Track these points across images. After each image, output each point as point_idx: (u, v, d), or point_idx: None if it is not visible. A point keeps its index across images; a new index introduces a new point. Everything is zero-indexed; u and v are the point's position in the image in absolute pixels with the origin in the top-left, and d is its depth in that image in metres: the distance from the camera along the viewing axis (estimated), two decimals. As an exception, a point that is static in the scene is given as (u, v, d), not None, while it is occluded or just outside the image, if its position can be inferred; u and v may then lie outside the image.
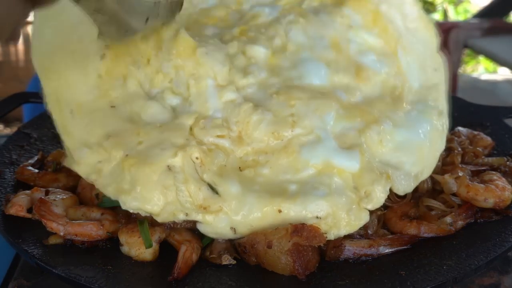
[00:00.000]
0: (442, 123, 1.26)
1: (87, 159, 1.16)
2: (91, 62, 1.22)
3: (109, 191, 1.12)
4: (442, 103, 1.30)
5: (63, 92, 1.21)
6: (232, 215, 1.07)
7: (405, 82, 1.29)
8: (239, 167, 1.13)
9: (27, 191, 1.23)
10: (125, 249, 1.09)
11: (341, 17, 1.32)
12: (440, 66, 1.35)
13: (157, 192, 1.08)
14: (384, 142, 1.17)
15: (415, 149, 1.18)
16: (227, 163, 1.13)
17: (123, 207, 1.10)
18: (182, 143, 1.13)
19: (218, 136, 1.15)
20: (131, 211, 1.10)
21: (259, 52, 1.26)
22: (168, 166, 1.09)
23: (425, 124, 1.22)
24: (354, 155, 1.13)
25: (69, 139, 1.19)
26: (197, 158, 1.11)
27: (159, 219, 1.09)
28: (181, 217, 1.09)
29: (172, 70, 1.22)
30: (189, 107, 1.20)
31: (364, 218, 1.10)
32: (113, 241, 1.12)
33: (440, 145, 1.24)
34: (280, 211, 1.06)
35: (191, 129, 1.16)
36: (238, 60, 1.24)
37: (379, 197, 1.11)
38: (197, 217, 1.08)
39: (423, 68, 1.33)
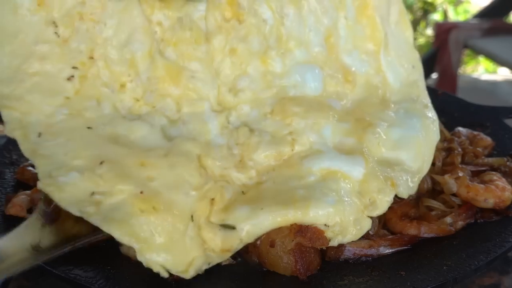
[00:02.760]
0: (431, 115, 1.26)
1: (75, 187, 0.96)
2: (56, 84, 1.06)
3: (115, 232, 0.95)
4: (425, 97, 1.31)
5: (27, 117, 1.03)
6: (245, 240, 1.02)
7: (385, 81, 1.29)
8: (242, 191, 1.08)
9: (28, 192, 1.23)
10: (125, 249, 1.09)
11: (340, 7, 1.26)
12: (417, 62, 1.35)
13: (184, 246, 0.97)
14: (382, 143, 1.16)
15: (412, 143, 1.18)
16: (232, 195, 1.06)
17: (140, 259, 0.95)
18: (197, 182, 1.03)
19: (227, 168, 1.08)
20: (146, 265, 0.95)
21: (248, 52, 1.16)
22: (192, 215, 1.00)
23: (416, 119, 1.22)
24: (358, 160, 1.12)
25: (43, 161, 0.98)
26: (212, 199, 1.03)
27: (187, 276, 0.98)
28: (204, 267, 1.01)
29: (158, 98, 1.11)
30: (183, 126, 1.10)
31: (367, 226, 1.08)
32: (113, 241, 1.12)
33: (435, 136, 1.23)
34: (292, 223, 1.02)
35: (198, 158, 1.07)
36: (224, 71, 1.15)
37: (383, 205, 1.10)
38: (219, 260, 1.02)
39: (402, 66, 1.33)
